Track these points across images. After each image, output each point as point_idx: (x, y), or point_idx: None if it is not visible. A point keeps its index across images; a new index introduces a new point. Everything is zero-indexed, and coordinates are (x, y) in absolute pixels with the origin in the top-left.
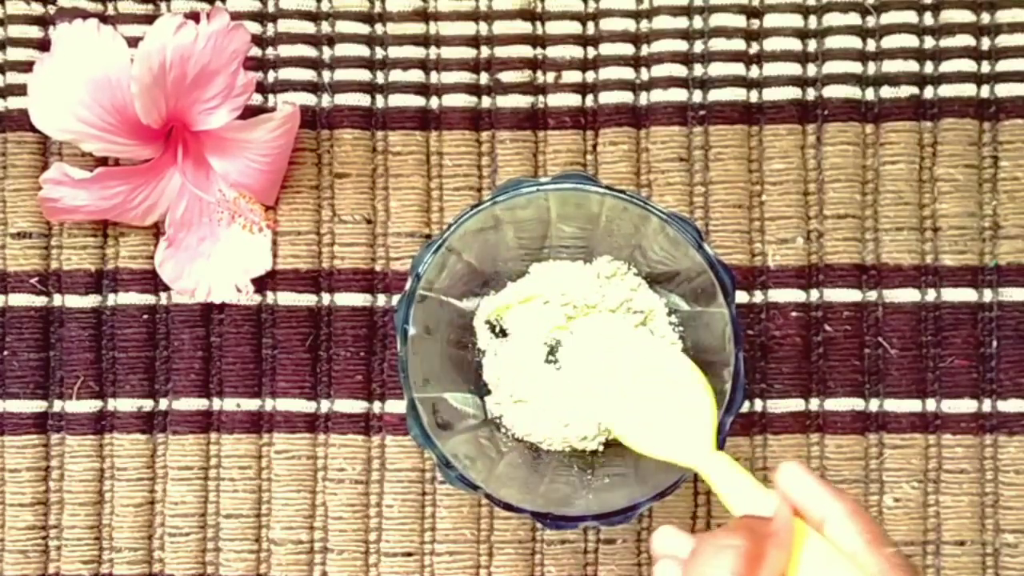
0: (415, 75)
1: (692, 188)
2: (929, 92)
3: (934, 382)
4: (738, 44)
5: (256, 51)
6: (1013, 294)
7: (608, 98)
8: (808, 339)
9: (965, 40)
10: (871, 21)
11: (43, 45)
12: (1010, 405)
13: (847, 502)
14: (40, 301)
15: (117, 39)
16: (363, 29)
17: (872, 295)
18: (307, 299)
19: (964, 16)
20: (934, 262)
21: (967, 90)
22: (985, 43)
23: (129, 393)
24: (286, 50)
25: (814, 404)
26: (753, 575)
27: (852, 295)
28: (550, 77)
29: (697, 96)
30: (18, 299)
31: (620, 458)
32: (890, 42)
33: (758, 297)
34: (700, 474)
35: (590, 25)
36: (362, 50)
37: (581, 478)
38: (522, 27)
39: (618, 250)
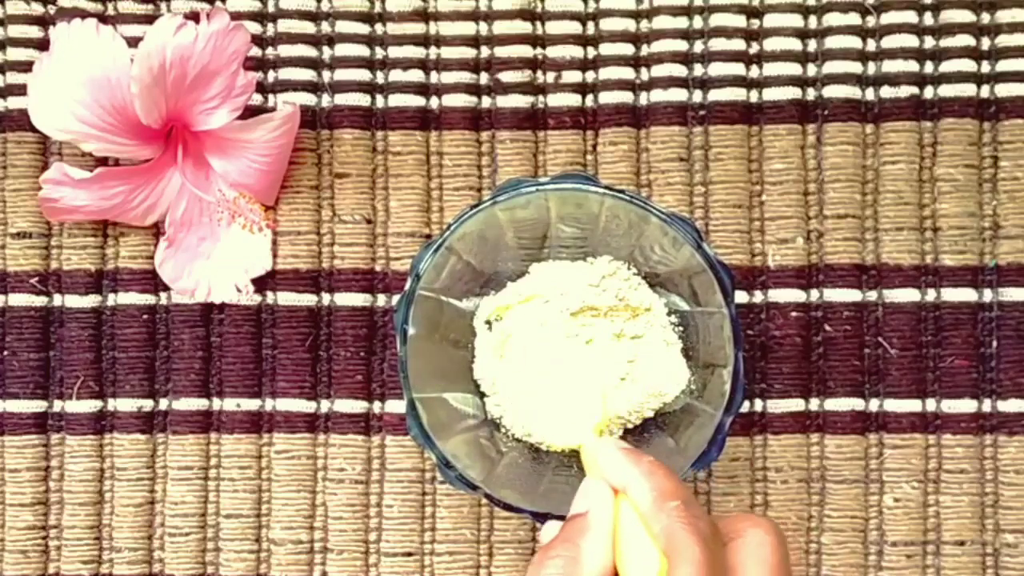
0: (415, 75)
1: (692, 188)
2: (929, 92)
3: (934, 382)
4: (738, 44)
5: (256, 51)
6: (1013, 294)
7: (608, 98)
8: (808, 339)
9: (965, 40)
10: (871, 21)
11: (43, 45)
12: (1010, 405)
13: (642, 464)
14: (40, 301)
15: (117, 39)
16: (363, 29)
17: (872, 295)
18: (307, 299)
19: (964, 16)
20: (934, 262)
21: (967, 90)
22: (985, 43)
23: (129, 393)
24: (286, 50)
25: (814, 404)
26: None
27: (852, 295)
28: (550, 77)
29: (697, 96)
30: (18, 299)
31: None
32: (890, 42)
33: (758, 297)
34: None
35: (590, 25)
36: (362, 50)
37: (581, 478)
38: (522, 27)
39: (618, 250)
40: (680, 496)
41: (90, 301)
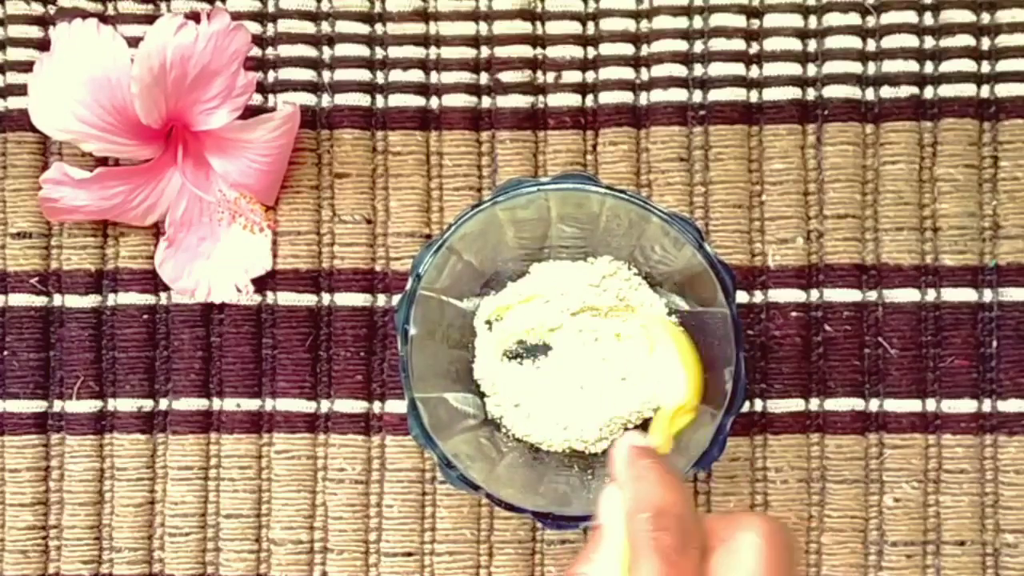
0: (415, 75)
1: (692, 188)
2: (929, 92)
3: (934, 382)
4: (738, 44)
5: (256, 51)
6: (1013, 294)
7: (608, 98)
8: (808, 339)
9: (965, 40)
10: (871, 21)
11: (43, 45)
12: (1010, 405)
13: (635, 466)
14: (40, 301)
15: (117, 39)
16: (363, 29)
17: (872, 295)
18: (307, 299)
19: (964, 16)
20: (934, 262)
21: (967, 90)
22: (985, 43)
23: (129, 393)
24: (286, 50)
25: (814, 404)
26: None
27: (852, 295)
28: (550, 77)
29: (697, 96)
30: (18, 299)
31: None
32: (890, 42)
33: (758, 297)
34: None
35: (590, 25)
36: (362, 50)
37: (581, 478)
38: (522, 27)
39: (618, 250)
40: (655, 506)
41: (90, 301)
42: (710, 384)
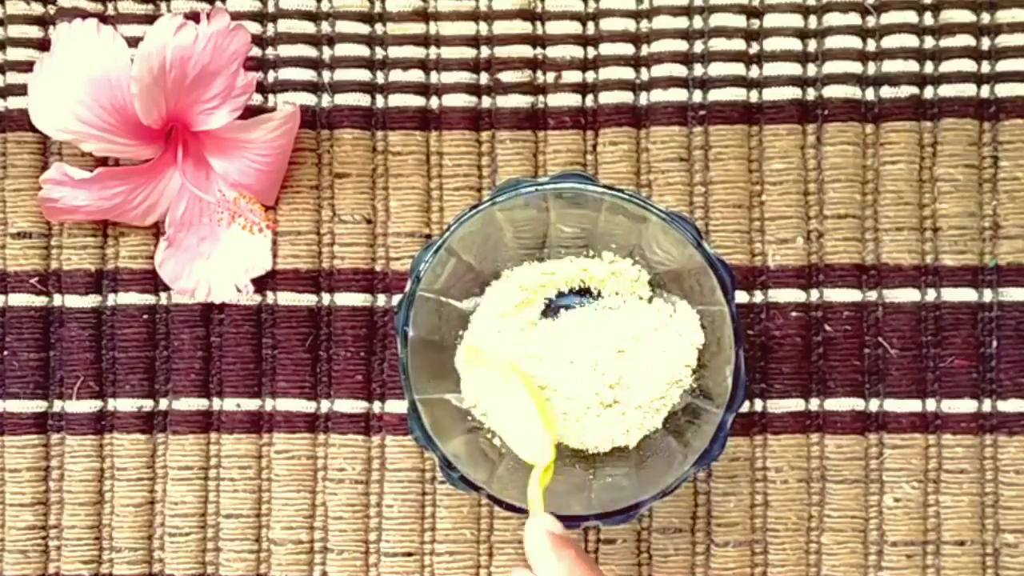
0: (415, 75)
1: (692, 188)
2: (929, 92)
3: (934, 382)
4: (738, 44)
5: (256, 51)
6: (1013, 294)
7: (608, 98)
8: (808, 339)
9: (965, 40)
10: (871, 21)
11: (43, 45)
12: (1010, 405)
13: (564, 560)
14: (40, 301)
15: (117, 39)
16: (363, 29)
17: (872, 295)
18: (307, 299)
19: (964, 16)
20: (934, 262)
21: (967, 90)
22: (985, 43)
23: (129, 393)
24: (286, 50)
25: (814, 404)
26: None
27: (852, 295)
28: (550, 77)
29: (697, 96)
30: (18, 299)
31: (621, 458)
32: (890, 42)
33: (758, 297)
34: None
35: (590, 25)
36: (362, 50)
37: (582, 478)
38: (522, 27)
39: (618, 250)
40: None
41: (90, 301)
42: (710, 382)
